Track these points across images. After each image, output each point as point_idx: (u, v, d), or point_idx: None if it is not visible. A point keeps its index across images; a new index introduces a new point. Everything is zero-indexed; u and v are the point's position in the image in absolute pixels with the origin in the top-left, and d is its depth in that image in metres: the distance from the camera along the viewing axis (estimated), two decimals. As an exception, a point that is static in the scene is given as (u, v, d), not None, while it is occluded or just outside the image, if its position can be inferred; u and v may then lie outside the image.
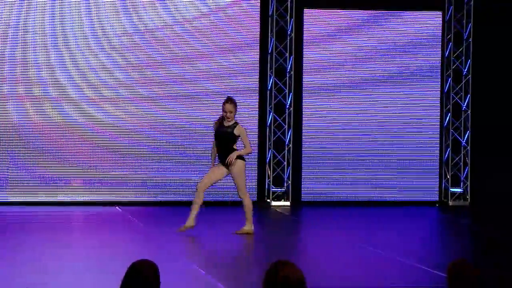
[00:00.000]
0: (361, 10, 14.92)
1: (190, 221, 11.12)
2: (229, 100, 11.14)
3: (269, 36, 14.73)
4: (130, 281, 3.89)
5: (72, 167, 14.17)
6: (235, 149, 11.15)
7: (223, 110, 11.09)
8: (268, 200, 14.82)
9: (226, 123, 11.10)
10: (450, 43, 15.16)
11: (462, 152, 15.30)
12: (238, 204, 14.45)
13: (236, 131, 11.09)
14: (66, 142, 14.16)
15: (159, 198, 14.43)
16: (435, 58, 15.16)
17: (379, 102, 15.04)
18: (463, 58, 15.21)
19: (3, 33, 13.87)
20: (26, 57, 13.98)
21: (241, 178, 11.15)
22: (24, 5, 13.91)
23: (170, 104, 14.45)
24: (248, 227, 11.26)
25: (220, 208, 14.10)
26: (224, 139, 11.09)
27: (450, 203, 15.22)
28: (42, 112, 14.08)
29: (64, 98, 14.12)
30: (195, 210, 11.15)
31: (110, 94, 14.27)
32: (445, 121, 15.25)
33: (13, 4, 13.88)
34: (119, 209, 13.90)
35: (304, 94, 14.89)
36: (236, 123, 11.14)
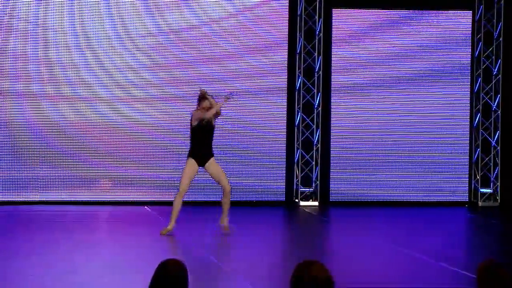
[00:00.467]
0: (390, 9, 14.87)
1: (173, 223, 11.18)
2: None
3: (298, 36, 14.72)
4: (159, 280, 3.90)
5: (102, 166, 14.23)
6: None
7: (202, 106, 11.04)
8: (296, 200, 14.81)
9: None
10: (480, 43, 15.06)
11: (492, 153, 15.19)
12: (263, 204, 14.45)
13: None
14: (96, 142, 14.23)
15: (190, 198, 14.44)
16: (465, 58, 15.07)
17: (408, 102, 14.97)
18: (493, 57, 15.11)
19: (28, 32, 13.96)
20: (62, 59, 14.06)
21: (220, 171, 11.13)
22: (51, 6, 13.99)
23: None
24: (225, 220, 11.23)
25: (245, 208, 14.10)
26: (209, 132, 11.05)
27: (480, 203, 15.13)
28: (73, 112, 14.15)
29: (96, 98, 14.19)
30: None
31: (142, 94, 14.32)
32: (475, 121, 15.16)
33: (40, 6, 13.96)
34: (148, 209, 13.94)
35: (333, 94, 14.86)
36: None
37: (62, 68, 14.08)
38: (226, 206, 11.23)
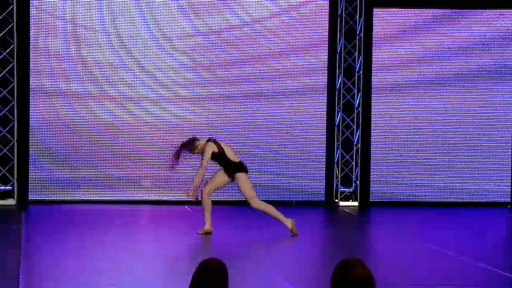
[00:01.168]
0: (431, 8, 14.77)
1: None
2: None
3: (338, 35, 14.68)
4: (199, 279, 3.91)
5: (144, 165, 14.32)
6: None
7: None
8: (336, 200, 14.77)
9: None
10: (524, 42, 14.90)
11: (535, 153, 15.03)
12: (303, 204, 14.44)
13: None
14: (137, 142, 14.32)
15: (232, 198, 14.48)
16: (509, 57, 14.91)
17: (449, 102, 14.86)
18: (536, 57, 14.93)
19: (75, 32, 14.08)
20: (107, 61, 14.17)
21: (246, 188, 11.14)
22: (94, 7, 14.11)
23: (242, 103, 14.49)
24: (287, 222, 11.20)
25: (285, 208, 14.10)
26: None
27: (522, 204, 14.98)
28: (117, 112, 14.25)
29: (146, 98, 14.27)
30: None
31: (188, 94, 14.37)
32: (517, 121, 15.00)
33: (83, 7, 14.08)
34: (189, 208, 14.00)
35: (373, 94, 14.80)
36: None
37: (115, 70, 14.18)
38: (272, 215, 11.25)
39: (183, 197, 14.36)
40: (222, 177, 11.25)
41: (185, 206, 14.14)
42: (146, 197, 14.38)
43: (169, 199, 14.38)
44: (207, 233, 11.22)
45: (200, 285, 3.89)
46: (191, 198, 11.30)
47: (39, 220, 12.78)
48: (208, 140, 11.18)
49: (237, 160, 11.19)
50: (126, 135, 14.32)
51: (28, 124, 14.06)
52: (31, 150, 14.06)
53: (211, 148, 11.08)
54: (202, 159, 11.08)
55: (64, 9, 14.02)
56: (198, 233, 11.22)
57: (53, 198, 14.12)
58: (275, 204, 14.27)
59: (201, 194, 11.27)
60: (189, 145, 11.19)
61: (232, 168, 11.15)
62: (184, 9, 14.34)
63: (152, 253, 10.24)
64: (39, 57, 14.01)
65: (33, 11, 13.95)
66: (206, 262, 3.97)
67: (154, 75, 14.35)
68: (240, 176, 11.12)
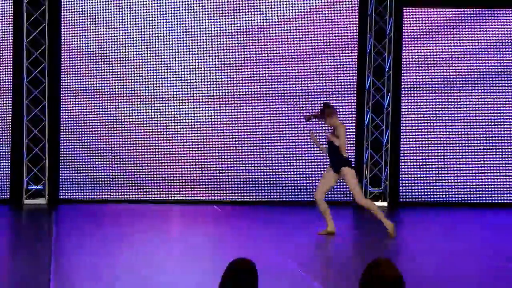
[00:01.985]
0: (461, 8, 14.68)
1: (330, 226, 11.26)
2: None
3: (368, 35, 14.65)
4: (228, 279, 3.92)
5: (174, 165, 14.38)
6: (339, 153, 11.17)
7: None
8: (366, 200, 14.72)
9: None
10: (555, 42, 14.78)
11: None
12: (332, 204, 14.43)
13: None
14: (166, 141, 14.38)
15: (263, 198, 14.50)
16: (539, 57, 14.80)
17: (480, 102, 14.77)
18: None
19: (105, 33, 14.17)
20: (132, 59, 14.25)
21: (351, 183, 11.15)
22: (124, 8, 14.18)
23: (272, 103, 14.51)
24: (388, 224, 11.19)
25: (313, 208, 14.09)
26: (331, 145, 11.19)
27: (554, 205, 14.86)
28: (147, 111, 14.32)
29: (169, 98, 14.33)
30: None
31: (217, 94, 14.40)
32: (548, 121, 14.88)
33: (114, 8, 14.16)
34: (218, 208, 14.04)
35: (403, 94, 14.74)
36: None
37: (128, 68, 14.25)
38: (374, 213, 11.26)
39: (212, 197, 14.43)
40: (328, 174, 11.21)
41: (214, 206, 14.18)
42: (176, 197, 14.43)
43: (199, 199, 14.42)
44: (330, 233, 11.24)
45: (230, 285, 3.90)
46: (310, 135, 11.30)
47: (69, 219, 12.87)
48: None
49: (346, 155, 11.18)
50: (156, 135, 14.37)
51: (59, 124, 14.16)
52: (62, 149, 14.16)
53: (344, 129, 11.08)
54: (339, 136, 10.98)
55: (94, 10, 14.10)
56: (318, 234, 11.24)
57: (84, 197, 14.22)
58: (305, 204, 14.30)
59: (316, 201, 11.21)
60: (324, 112, 11.11)
61: (340, 162, 11.12)
62: (212, 9, 14.37)
63: (184, 252, 10.28)
64: (70, 57, 14.11)
65: (64, 12, 14.04)
66: (235, 262, 3.98)
67: (187, 76, 14.39)
68: (346, 171, 11.08)
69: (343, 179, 11.22)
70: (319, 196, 11.22)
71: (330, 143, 11.16)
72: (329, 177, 11.25)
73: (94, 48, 14.15)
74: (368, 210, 11.21)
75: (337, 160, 11.14)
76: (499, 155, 14.82)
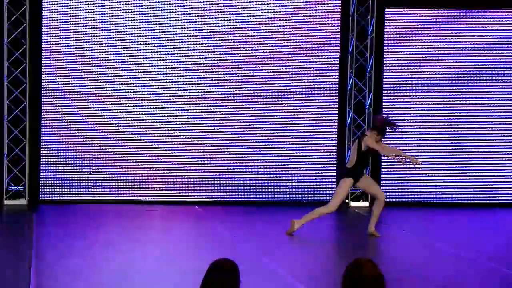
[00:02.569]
0: (443, 8, 14.73)
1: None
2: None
3: (350, 36, 14.67)
4: (210, 280, 3.91)
5: (153, 166, 14.34)
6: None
7: (378, 137, 11.18)
8: (347, 201, 14.75)
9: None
10: (536, 42, 14.86)
11: (547, 153, 14.97)
12: (313, 204, 14.42)
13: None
14: (147, 142, 14.34)
15: (237, 198, 14.49)
16: (521, 57, 14.87)
17: (461, 102, 14.83)
18: (549, 57, 14.89)
19: (87, 33, 14.12)
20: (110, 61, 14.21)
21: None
22: (106, 8, 14.13)
23: (251, 104, 14.50)
24: (299, 223, 11.28)
25: (295, 209, 14.10)
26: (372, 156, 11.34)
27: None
28: (129, 112, 14.27)
29: (151, 99, 14.29)
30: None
31: (196, 94, 14.38)
32: (531, 121, 14.96)
33: (95, 9, 14.11)
34: (199, 209, 14.01)
35: (384, 94, 14.77)
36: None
37: (109, 69, 14.20)
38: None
39: (193, 197, 14.41)
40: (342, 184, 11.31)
41: (196, 207, 14.15)
42: (156, 197, 14.39)
43: (179, 199, 14.38)
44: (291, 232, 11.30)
45: (212, 285, 3.89)
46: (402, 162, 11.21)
47: (50, 220, 12.81)
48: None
49: (350, 166, 11.20)
50: (138, 136, 14.33)
51: (40, 124, 14.09)
52: (43, 150, 14.10)
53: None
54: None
55: (76, 10, 14.05)
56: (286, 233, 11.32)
57: (64, 198, 14.15)
58: (287, 204, 14.29)
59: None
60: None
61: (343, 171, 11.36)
62: (194, 11, 14.35)
63: (163, 253, 10.25)
64: (51, 57, 14.04)
65: (45, 12, 13.98)
66: (217, 262, 3.97)
67: (168, 77, 14.36)
68: (344, 180, 11.17)
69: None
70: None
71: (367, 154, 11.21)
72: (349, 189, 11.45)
73: (75, 49, 14.09)
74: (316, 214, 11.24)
75: (364, 170, 11.37)
76: (482, 154, 14.87)
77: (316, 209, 11.30)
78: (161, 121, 14.38)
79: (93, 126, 14.21)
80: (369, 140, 10.99)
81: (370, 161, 11.54)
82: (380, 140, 11.14)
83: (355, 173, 11.19)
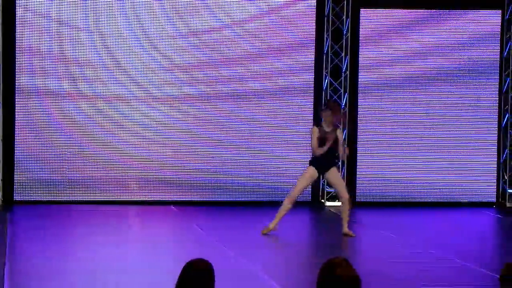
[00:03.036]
0: (418, 9, 14.80)
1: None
2: (326, 107, 11.54)
3: (325, 36, 14.69)
4: (185, 280, 3.91)
5: (128, 166, 14.29)
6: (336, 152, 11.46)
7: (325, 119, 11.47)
8: (322, 201, 14.78)
9: (326, 129, 11.43)
10: (510, 42, 14.95)
11: (521, 153, 15.08)
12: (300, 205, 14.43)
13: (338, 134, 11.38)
14: (120, 142, 14.28)
15: (213, 198, 14.47)
16: (494, 57, 14.96)
17: (436, 102, 14.89)
18: (522, 57, 14.99)
19: (61, 32, 14.04)
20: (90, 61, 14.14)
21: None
22: (79, 7, 14.07)
23: (226, 104, 14.48)
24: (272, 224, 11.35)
25: (269, 209, 14.11)
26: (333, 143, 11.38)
27: (508, 204, 15.01)
28: (105, 112, 14.21)
29: (126, 98, 14.24)
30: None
31: (178, 95, 14.35)
32: (503, 121, 15.05)
33: (69, 7, 14.05)
34: (175, 209, 13.98)
35: (360, 94, 14.81)
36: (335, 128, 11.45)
37: (84, 68, 14.14)
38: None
39: (170, 198, 14.37)
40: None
41: (172, 206, 14.12)
42: (132, 197, 14.34)
43: (156, 200, 14.34)
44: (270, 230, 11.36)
45: (186, 285, 3.89)
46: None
47: (24, 220, 12.73)
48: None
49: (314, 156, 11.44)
50: (112, 136, 14.27)
51: (14, 124, 14.00)
52: (17, 150, 14.00)
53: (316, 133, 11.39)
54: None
55: (50, 8, 13.97)
56: (262, 232, 11.33)
57: (39, 198, 14.07)
58: (260, 205, 14.29)
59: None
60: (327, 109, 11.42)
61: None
62: (172, 10, 14.32)
63: (139, 253, 10.21)
64: (24, 56, 13.96)
65: (19, 11, 13.89)
66: (192, 262, 3.96)
67: (144, 77, 14.31)
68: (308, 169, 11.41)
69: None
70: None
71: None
72: (313, 177, 11.58)
73: (50, 48, 14.01)
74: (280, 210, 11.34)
75: (330, 161, 11.53)
76: (456, 154, 14.94)
77: (283, 203, 11.45)
78: (135, 121, 14.32)
79: (67, 126, 14.13)
80: (316, 131, 11.43)
81: (336, 153, 11.52)
82: (333, 127, 11.29)
83: (316, 163, 11.36)
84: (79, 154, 14.17)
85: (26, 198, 14.05)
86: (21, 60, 13.96)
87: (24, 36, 13.93)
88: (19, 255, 9.74)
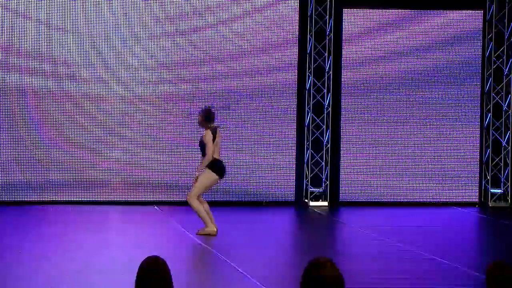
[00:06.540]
0: (401, 9, 14.84)
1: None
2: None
3: (308, 36, 14.70)
4: (141, 278, 3.99)
5: (111, 166, 14.25)
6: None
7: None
8: (306, 200, 14.78)
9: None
10: (491, 43, 15.02)
11: (503, 153, 15.14)
12: (272, 204, 14.44)
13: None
14: (104, 142, 14.24)
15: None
16: (476, 58, 15.02)
17: (418, 102, 14.93)
18: (504, 57, 15.05)
19: (33, 29, 13.99)
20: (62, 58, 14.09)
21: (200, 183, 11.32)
22: (55, 3, 14.03)
23: (209, 103, 14.45)
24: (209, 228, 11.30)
25: (255, 209, 14.11)
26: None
27: (490, 204, 15.07)
28: (79, 110, 14.16)
29: (105, 97, 14.20)
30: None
31: (151, 94, 14.32)
32: (485, 121, 15.11)
33: (43, 3, 14.00)
34: (157, 209, 13.95)
35: (343, 94, 14.83)
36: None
37: (64, 67, 14.09)
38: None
39: (152, 197, 14.33)
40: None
41: (155, 207, 14.09)
42: (114, 197, 14.29)
43: (138, 200, 14.30)
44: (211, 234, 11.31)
45: (143, 284, 3.95)
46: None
47: (2, 221, 12.66)
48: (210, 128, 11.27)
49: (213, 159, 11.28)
50: (93, 135, 14.21)
51: (-4, 124, 13.93)
52: (-2, 150, 13.93)
53: (209, 135, 11.21)
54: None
55: (25, 5, 13.90)
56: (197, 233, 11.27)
57: (18, 199, 13.97)
58: (246, 204, 14.28)
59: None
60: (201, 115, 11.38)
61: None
62: (166, 10, 14.29)
63: (120, 253, 10.19)
64: (5, 55, 13.87)
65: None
66: (145, 260, 4.04)
67: (128, 76, 14.27)
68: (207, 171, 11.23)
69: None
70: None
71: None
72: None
73: (23, 45, 13.92)
74: (195, 212, 11.31)
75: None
76: (437, 154, 14.98)
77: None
78: (116, 121, 14.27)
79: (46, 126, 14.05)
80: (206, 135, 11.34)
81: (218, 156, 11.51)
82: (212, 130, 11.38)
83: (212, 167, 11.31)
84: (59, 154, 14.10)
85: (4, 198, 13.92)
86: (1, 59, 13.87)
87: (3, 34, 13.85)
88: None
